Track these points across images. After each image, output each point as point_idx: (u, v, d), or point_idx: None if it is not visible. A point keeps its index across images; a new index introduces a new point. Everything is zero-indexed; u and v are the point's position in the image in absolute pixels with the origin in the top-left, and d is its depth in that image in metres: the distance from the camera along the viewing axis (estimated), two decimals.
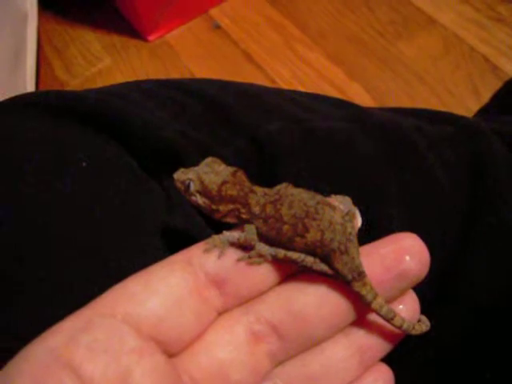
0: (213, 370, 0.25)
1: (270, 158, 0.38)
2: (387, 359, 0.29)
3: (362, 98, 1.14)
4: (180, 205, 0.35)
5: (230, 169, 0.28)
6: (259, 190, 0.28)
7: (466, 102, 1.14)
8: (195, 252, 0.26)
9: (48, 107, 0.37)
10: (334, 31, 1.22)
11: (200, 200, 0.28)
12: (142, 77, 1.19)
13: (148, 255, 0.32)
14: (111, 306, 0.24)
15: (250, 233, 0.27)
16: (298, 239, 0.26)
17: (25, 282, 0.30)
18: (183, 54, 1.21)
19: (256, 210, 0.27)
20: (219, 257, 0.26)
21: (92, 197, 0.34)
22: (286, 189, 0.27)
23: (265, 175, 0.37)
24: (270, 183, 0.36)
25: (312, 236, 0.26)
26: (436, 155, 0.40)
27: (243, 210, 0.27)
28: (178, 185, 0.28)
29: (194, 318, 0.25)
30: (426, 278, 0.35)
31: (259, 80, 1.17)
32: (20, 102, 0.38)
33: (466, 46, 1.20)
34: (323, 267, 0.26)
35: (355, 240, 0.27)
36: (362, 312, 0.27)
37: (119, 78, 1.17)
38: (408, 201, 0.38)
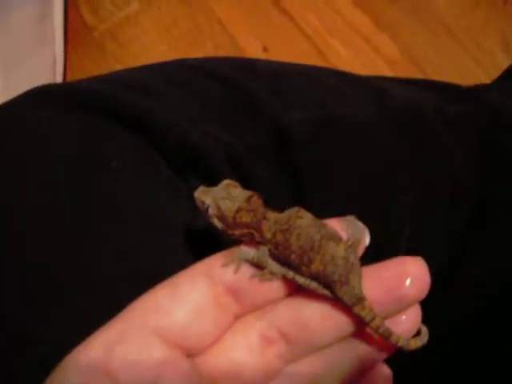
0: (229, 370, 0.30)
1: (290, 148, 0.40)
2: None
3: (389, 49, 1.13)
4: None
5: (245, 193, 0.31)
6: (272, 216, 0.31)
7: (496, 56, 1.12)
8: (214, 264, 0.30)
9: (79, 104, 0.40)
10: None
11: (218, 224, 0.31)
12: (170, 23, 1.19)
13: (178, 256, 0.37)
14: (141, 318, 0.28)
15: (262, 254, 0.30)
16: (303, 268, 0.29)
17: (63, 294, 0.34)
18: None
19: (268, 235, 0.30)
20: (235, 272, 0.29)
21: (122, 198, 0.37)
22: (295, 219, 0.30)
23: (283, 163, 0.40)
24: (287, 173, 0.40)
25: (315, 267, 0.29)
26: (453, 134, 0.43)
27: (256, 234, 0.31)
28: (198, 203, 0.32)
29: (213, 325, 0.29)
30: (436, 258, 0.36)
31: (287, 28, 1.16)
32: (44, 95, 0.40)
33: None
34: (326, 292, 0.29)
35: (357, 268, 0.29)
36: (361, 327, 0.30)
37: (147, 26, 1.18)
38: (421, 185, 0.40)
